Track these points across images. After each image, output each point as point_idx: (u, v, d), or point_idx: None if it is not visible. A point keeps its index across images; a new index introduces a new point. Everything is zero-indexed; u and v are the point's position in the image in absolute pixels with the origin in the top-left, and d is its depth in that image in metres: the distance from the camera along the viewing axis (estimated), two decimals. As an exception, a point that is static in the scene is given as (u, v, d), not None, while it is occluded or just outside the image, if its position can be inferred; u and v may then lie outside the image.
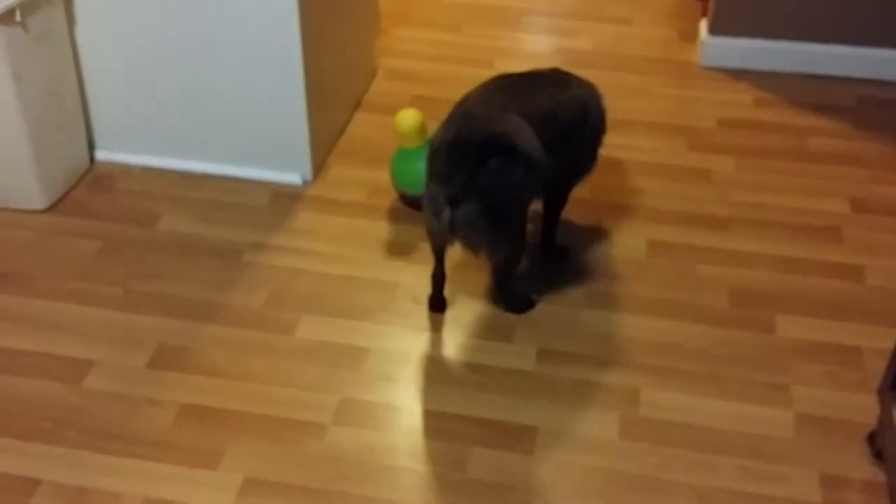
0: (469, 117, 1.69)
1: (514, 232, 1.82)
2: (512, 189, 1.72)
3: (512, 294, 1.95)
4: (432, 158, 1.71)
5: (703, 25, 2.92)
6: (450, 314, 1.96)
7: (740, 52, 2.84)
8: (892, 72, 2.79)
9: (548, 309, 1.97)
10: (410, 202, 2.25)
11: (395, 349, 1.87)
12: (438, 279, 1.93)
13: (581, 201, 2.25)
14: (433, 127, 2.26)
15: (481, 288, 2.03)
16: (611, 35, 3.05)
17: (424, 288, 1.99)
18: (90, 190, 2.31)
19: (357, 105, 2.65)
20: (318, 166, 2.37)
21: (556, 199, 2.01)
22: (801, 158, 2.47)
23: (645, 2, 3.28)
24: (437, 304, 1.95)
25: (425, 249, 2.11)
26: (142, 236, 2.15)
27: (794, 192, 2.34)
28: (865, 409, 1.73)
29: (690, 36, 3.03)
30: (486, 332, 1.92)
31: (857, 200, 2.31)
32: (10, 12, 1.97)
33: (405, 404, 1.76)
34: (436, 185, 1.70)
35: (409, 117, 2.16)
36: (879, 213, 2.26)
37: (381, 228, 2.20)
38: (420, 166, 2.06)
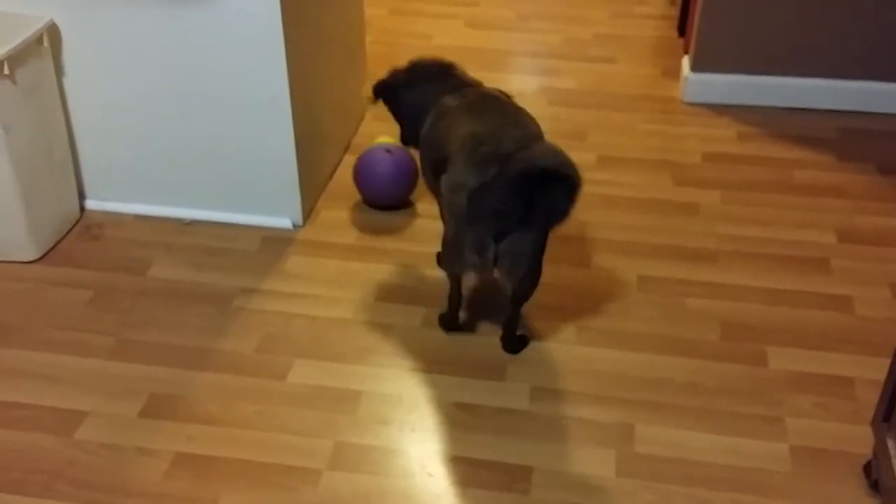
0: (509, 154, 1.70)
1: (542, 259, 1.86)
2: (565, 214, 1.74)
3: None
4: (479, 198, 1.70)
5: (686, 62, 2.97)
6: (442, 355, 1.96)
7: (722, 88, 2.89)
8: (872, 103, 2.84)
9: (540, 346, 1.98)
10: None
11: (388, 391, 1.87)
12: (456, 301, 1.97)
13: (570, 238, 2.27)
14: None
15: (473, 328, 2.03)
16: (595, 74, 3.10)
17: (418, 328, 2.00)
18: (81, 239, 2.31)
19: (346, 148, 2.67)
20: (308, 210, 2.39)
21: None
22: (786, 191, 2.50)
23: (628, 41, 3.34)
24: (452, 323, 1.99)
25: (417, 289, 2.12)
26: (133, 284, 2.16)
27: (781, 224, 2.36)
28: (860, 439, 1.74)
29: (673, 73, 3.08)
30: (478, 371, 1.92)
31: (843, 231, 2.33)
32: (-2, 65, 1.99)
33: (399, 447, 1.75)
34: (482, 223, 1.72)
35: None
36: (865, 243, 2.29)
37: (372, 270, 2.20)
38: None
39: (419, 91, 2.00)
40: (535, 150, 1.70)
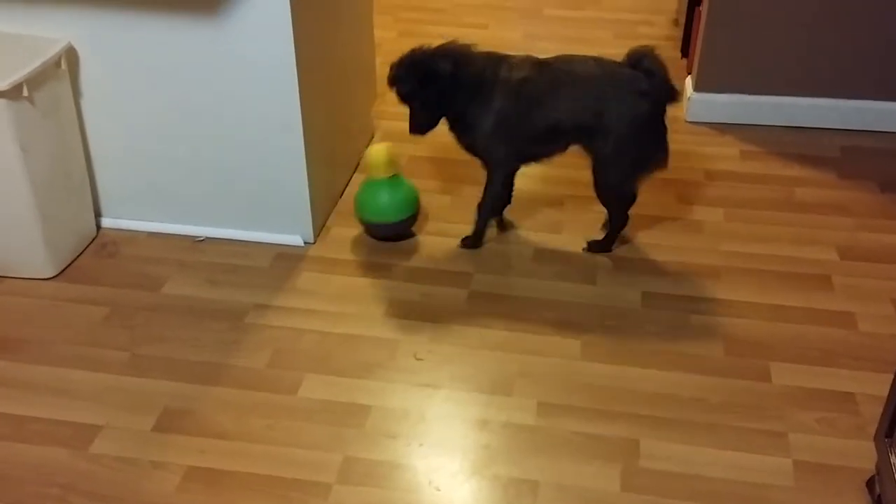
0: (645, 88, 2.13)
1: None
2: None
3: None
4: (655, 125, 2.17)
5: (689, 82, 3.01)
6: (449, 370, 1.99)
7: (725, 108, 2.93)
8: (873, 122, 2.88)
9: (546, 362, 2.00)
10: (373, 232, 2.37)
11: (396, 406, 1.90)
12: (626, 220, 2.34)
13: (575, 255, 2.30)
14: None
15: (481, 342, 2.06)
16: (600, 93, 3.13)
17: (425, 343, 2.03)
18: (97, 257, 2.35)
19: (356, 167, 2.71)
20: (319, 227, 2.43)
21: None
22: (788, 208, 2.53)
23: (632, 60, 3.37)
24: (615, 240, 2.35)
25: (424, 305, 2.16)
26: (147, 301, 2.20)
27: (783, 241, 2.39)
28: (863, 454, 1.75)
29: (677, 92, 3.12)
30: (485, 386, 1.94)
31: (845, 248, 2.36)
32: (17, 87, 2.03)
33: (407, 461, 1.78)
34: (658, 140, 2.20)
35: (380, 150, 2.31)
36: (867, 260, 2.31)
37: (382, 286, 2.24)
38: (385, 197, 2.29)
39: (464, 76, 2.19)
40: (656, 74, 2.12)
